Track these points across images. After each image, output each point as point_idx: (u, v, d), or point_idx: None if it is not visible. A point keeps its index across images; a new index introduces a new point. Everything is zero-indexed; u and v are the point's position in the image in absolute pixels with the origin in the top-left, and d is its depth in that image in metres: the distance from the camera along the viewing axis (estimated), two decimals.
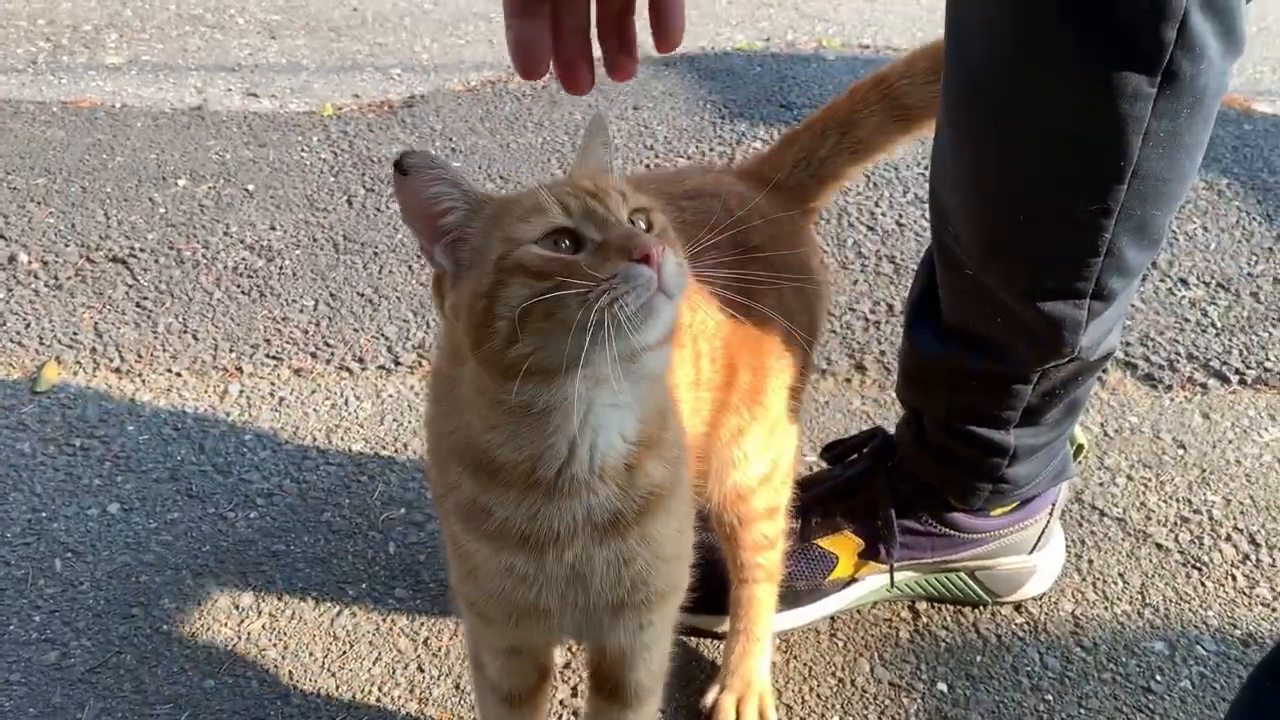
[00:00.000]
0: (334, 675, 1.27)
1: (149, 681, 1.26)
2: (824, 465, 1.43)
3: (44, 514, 1.48)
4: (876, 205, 2.19)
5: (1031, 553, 1.32)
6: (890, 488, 1.30)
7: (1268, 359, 1.82)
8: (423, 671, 1.28)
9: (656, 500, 0.85)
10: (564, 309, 0.73)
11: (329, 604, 1.36)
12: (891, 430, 1.36)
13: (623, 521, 0.84)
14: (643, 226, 0.79)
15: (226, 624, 1.33)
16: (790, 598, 1.28)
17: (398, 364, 1.77)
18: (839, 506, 1.31)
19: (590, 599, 0.87)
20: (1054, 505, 1.32)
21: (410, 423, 1.65)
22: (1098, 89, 0.93)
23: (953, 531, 1.29)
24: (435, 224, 0.79)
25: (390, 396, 1.70)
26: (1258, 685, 0.89)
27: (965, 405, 1.20)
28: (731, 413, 1.08)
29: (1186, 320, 1.92)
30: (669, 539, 0.88)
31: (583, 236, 0.76)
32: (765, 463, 1.13)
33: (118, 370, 1.75)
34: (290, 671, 1.28)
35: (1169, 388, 1.76)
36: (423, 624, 1.33)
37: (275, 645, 1.31)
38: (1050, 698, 1.25)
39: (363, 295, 1.92)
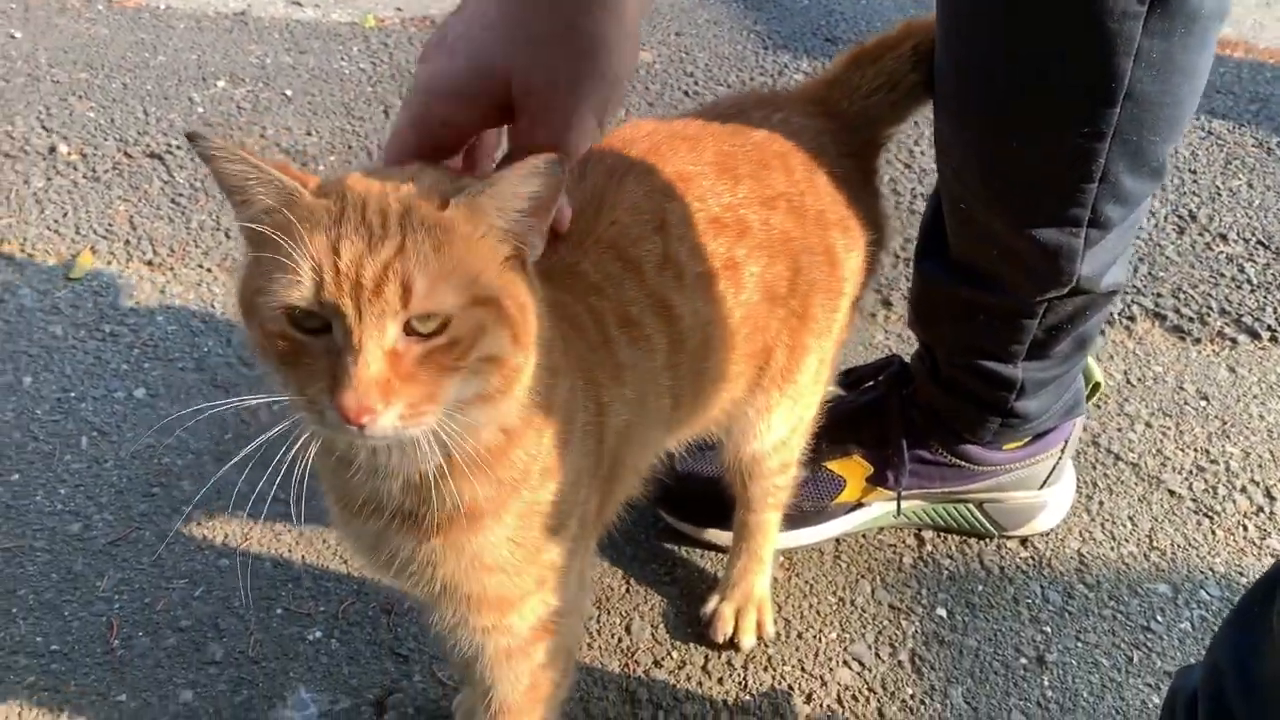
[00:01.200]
0: (345, 562, 1.30)
1: (166, 557, 1.30)
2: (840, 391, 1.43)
3: (73, 394, 1.51)
4: (916, 144, 2.16)
5: (1041, 488, 1.32)
6: (903, 416, 1.30)
7: None
8: None
9: (472, 516, 0.80)
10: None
11: None
12: (908, 360, 1.36)
13: (427, 525, 0.79)
14: (393, 303, 0.65)
15: (244, 508, 1.36)
16: (796, 518, 1.30)
17: None
18: (851, 432, 1.32)
19: (411, 586, 0.85)
20: (1067, 442, 1.32)
21: None
22: (1085, 6, 0.90)
23: (963, 463, 1.29)
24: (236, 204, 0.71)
25: None
26: (1247, 608, 0.89)
27: (973, 339, 1.19)
28: (760, 392, 1.06)
29: (1222, 275, 1.89)
30: (489, 550, 0.82)
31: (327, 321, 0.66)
32: (786, 429, 1.12)
33: (150, 263, 1.78)
34: (303, 556, 1.31)
35: (1197, 340, 1.74)
36: None
37: (290, 531, 1.34)
38: (1048, 629, 1.26)
39: None
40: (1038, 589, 1.31)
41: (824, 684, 1.19)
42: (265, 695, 1.16)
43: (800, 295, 1.00)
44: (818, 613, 1.27)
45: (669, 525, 1.34)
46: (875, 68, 1.08)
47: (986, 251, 1.11)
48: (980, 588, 1.31)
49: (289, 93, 2.24)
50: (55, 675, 1.17)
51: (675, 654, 1.22)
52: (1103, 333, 1.63)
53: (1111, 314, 1.78)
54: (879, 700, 1.18)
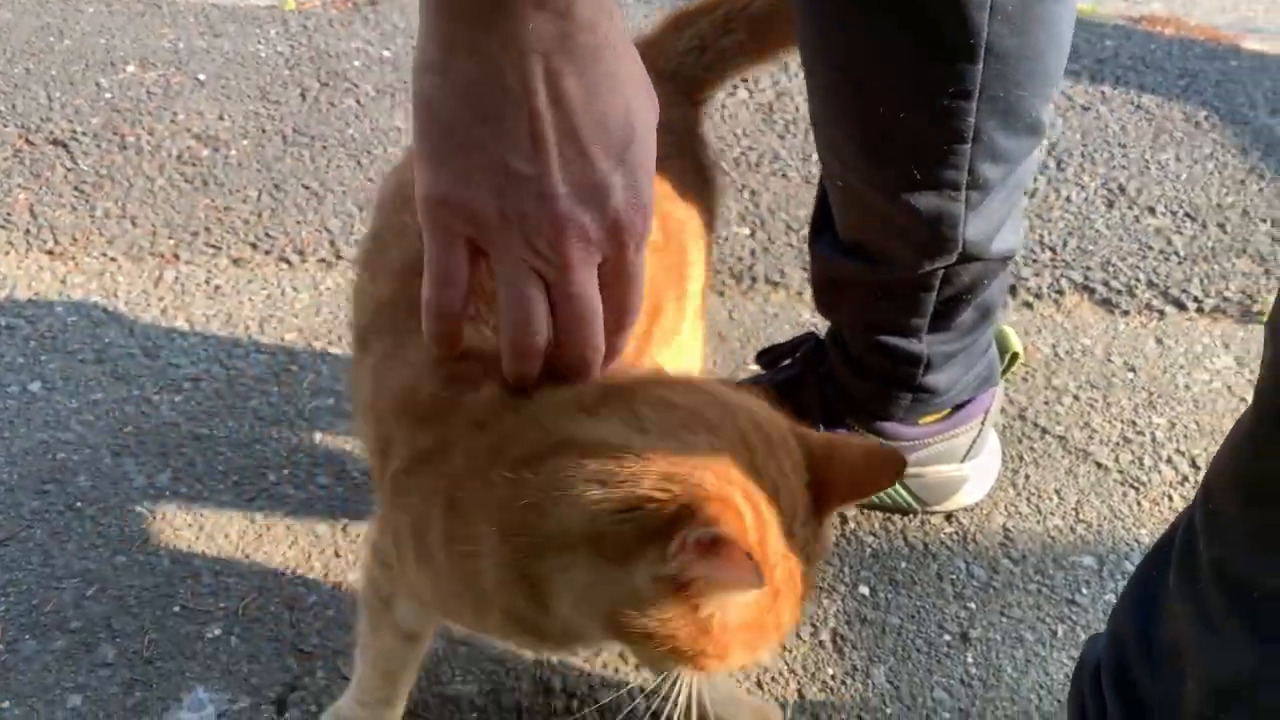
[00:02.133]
0: (247, 556, 1.25)
1: (58, 556, 1.24)
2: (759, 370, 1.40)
3: None
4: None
5: (963, 461, 1.30)
6: (819, 394, 1.27)
7: (1227, 289, 1.79)
8: (339, 557, 1.25)
9: None
10: None
11: (248, 488, 1.33)
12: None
13: None
14: None
15: (141, 503, 1.30)
16: None
17: (339, 258, 1.73)
18: None
19: None
20: (986, 413, 1.29)
21: (346, 316, 1.61)
22: None
23: (880, 439, 1.27)
24: None
25: (328, 289, 1.66)
26: (1145, 575, 0.87)
27: (873, 316, 1.17)
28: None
29: (1150, 248, 1.88)
30: None
31: None
32: None
33: (50, 252, 1.70)
34: (203, 551, 1.25)
35: (1125, 313, 1.73)
36: (342, 511, 1.31)
37: (190, 526, 1.28)
38: (973, 605, 1.24)
39: (308, 188, 1.87)
40: (962, 564, 1.29)
41: None
42: (160, 697, 1.11)
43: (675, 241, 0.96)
44: None
45: None
46: (691, 30, 1.06)
47: (870, 226, 1.08)
48: (904, 564, 1.28)
49: (202, 77, 2.17)
50: None
51: None
52: (1006, 303, 1.62)
53: (1040, 287, 1.76)
54: (799, 681, 1.15)
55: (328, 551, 1.26)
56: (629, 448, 0.64)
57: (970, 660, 1.18)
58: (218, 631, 1.17)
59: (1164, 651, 0.82)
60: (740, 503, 0.63)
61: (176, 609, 1.19)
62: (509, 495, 0.66)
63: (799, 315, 1.68)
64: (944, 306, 1.14)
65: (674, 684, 0.76)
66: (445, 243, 0.61)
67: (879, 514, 1.34)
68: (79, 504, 1.30)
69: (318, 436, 1.40)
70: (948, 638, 1.21)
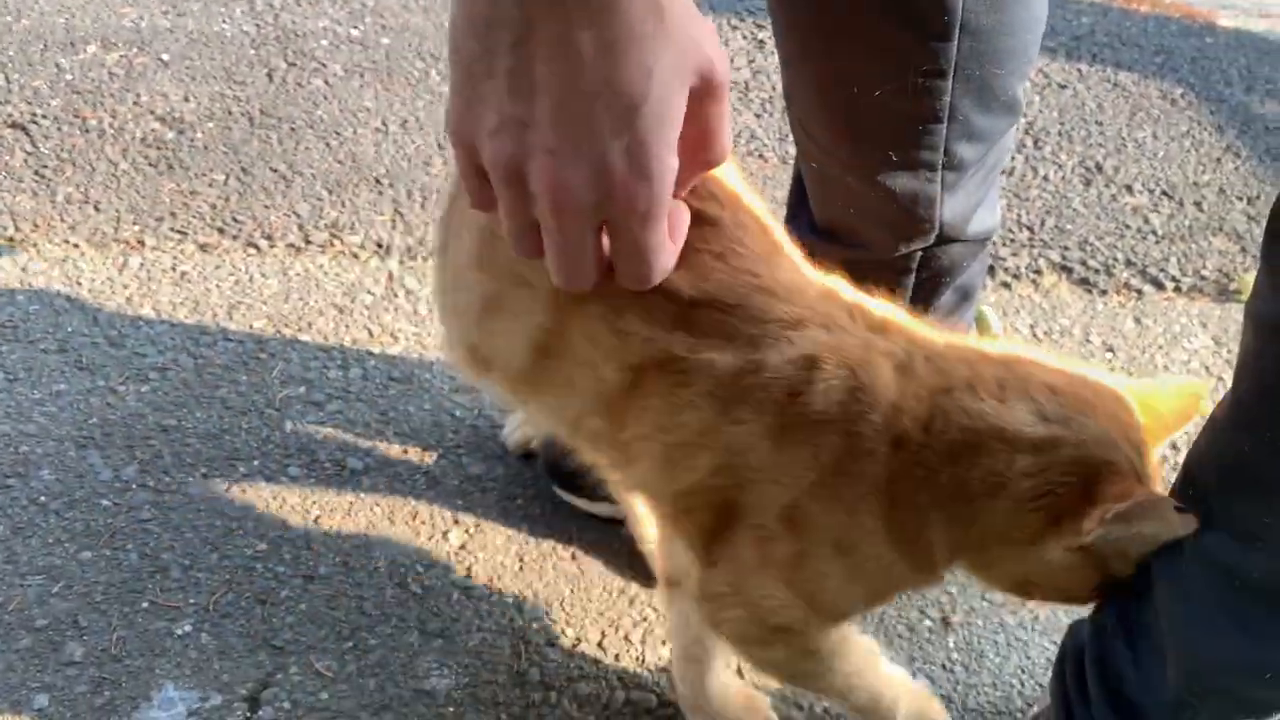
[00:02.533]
0: (216, 549, 1.22)
1: (21, 552, 1.20)
2: None
3: None
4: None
5: None
6: None
7: (1204, 267, 1.79)
8: (310, 549, 1.23)
9: None
10: None
11: (218, 479, 1.30)
12: None
13: None
14: None
15: (107, 497, 1.27)
16: None
17: (308, 242, 1.69)
18: None
19: None
20: None
21: (316, 302, 1.58)
22: None
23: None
24: None
25: (298, 275, 1.63)
26: None
27: None
28: None
29: (1128, 227, 1.87)
30: None
31: None
32: None
33: (11, 239, 1.66)
34: (171, 545, 1.22)
35: (1104, 292, 1.73)
36: (314, 502, 1.28)
37: (157, 519, 1.25)
38: (953, 590, 1.23)
39: (276, 171, 1.83)
40: None
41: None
42: (129, 695, 1.08)
43: None
44: None
45: (564, 501, 1.28)
46: None
47: (846, 208, 1.07)
48: None
49: (165, 57, 2.12)
50: None
51: (570, 631, 1.17)
52: (985, 284, 1.60)
53: (1018, 267, 1.75)
54: None
55: (298, 544, 1.23)
56: (1040, 436, 0.72)
57: (952, 645, 1.18)
58: (188, 627, 1.14)
59: (1146, 636, 0.81)
60: (1134, 471, 0.73)
61: (145, 605, 1.16)
62: (950, 486, 0.75)
63: None
64: (923, 289, 1.12)
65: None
66: (466, 174, 0.61)
67: None
68: (43, 498, 1.26)
69: (289, 426, 1.38)
70: (929, 623, 1.20)
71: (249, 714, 1.07)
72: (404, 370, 1.47)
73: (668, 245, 0.62)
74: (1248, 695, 0.77)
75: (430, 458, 1.34)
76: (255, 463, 1.33)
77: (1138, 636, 0.82)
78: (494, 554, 1.24)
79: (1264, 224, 0.68)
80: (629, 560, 1.22)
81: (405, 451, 1.35)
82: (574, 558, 1.24)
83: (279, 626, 1.15)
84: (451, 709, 1.08)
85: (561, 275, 0.62)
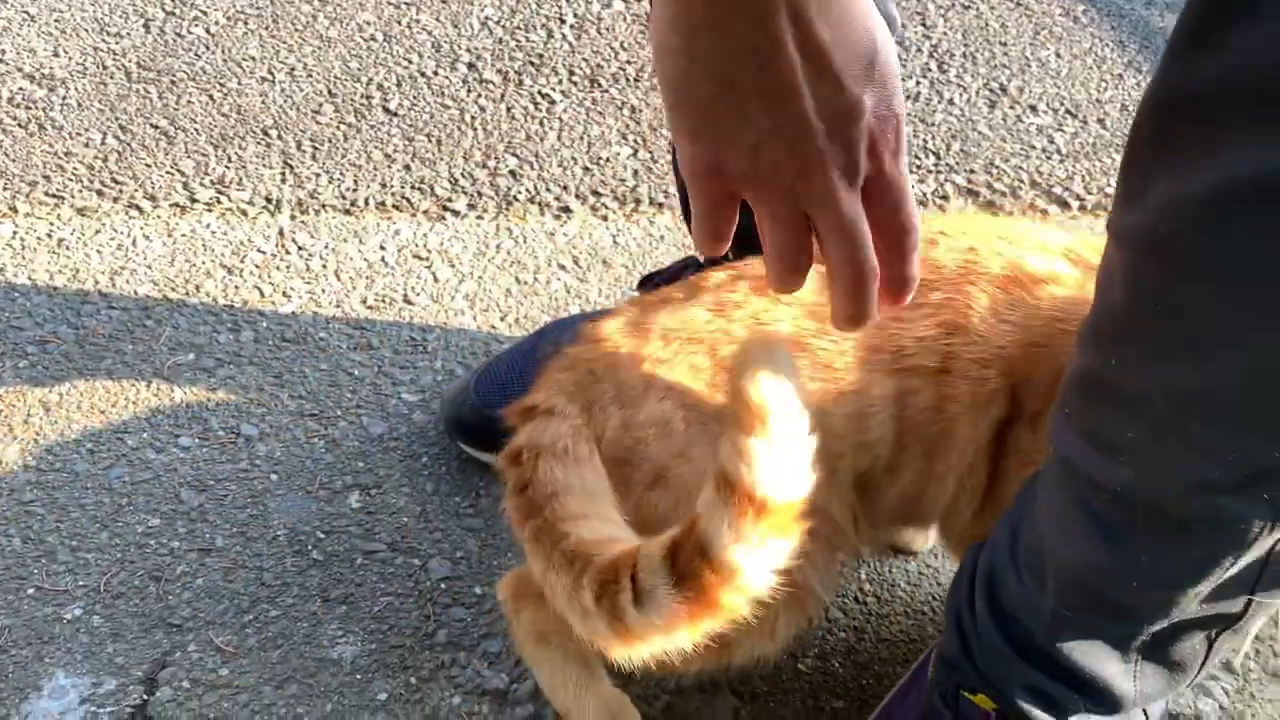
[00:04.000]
0: (107, 528, 1.17)
1: None
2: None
3: None
4: None
5: None
6: None
7: (1108, 185, 1.80)
8: (206, 521, 1.19)
9: None
10: None
11: (105, 456, 1.25)
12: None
13: None
14: None
15: None
16: None
17: (194, 201, 1.62)
18: None
19: None
20: None
21: (204, 263, 1.51)
22: None
23: None
24: None
25: (183, 236, 1.56)
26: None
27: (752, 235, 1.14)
28: None
29: (1033, 147, 1.87)
30: None
31: None
32: None
33: None
34: (57, 527, 1.17)
35: (1009, 214, 1.73)
36: (208, 473, 1.23)
37: (41, 500, 1.20)
38: None
39: (157, 127, 1.74)
40: None
41: None
42: (16, 687, 1.04)
43: None
44: None
45: (469, 456, 1.25)
46: None
47: None
48: None
49: (32, 10, 1.99)
50: None
51: (478, 589, 1.14)
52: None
53: (924, 194, 1.74)
54: None
55: (194, 516, 1.19)
56: None
57: (864, 577, 1.18)
58: (78, 611, 1.10)
59: (1029, 554, 0.82)
60: None
61: (31, 591, 1.12)
62: None
63: (686, 238, 1.63)
64: None
65: None
66: (711, 207, 0.60)
67: None
68: None
69: (178, 395, 1.32)
70: (841, 558, 1.20)
71: (146, 696, 1.04)
72: (298, 330, 1.41)
73: None
74: (1116, 604, 0.77)
75: (328, 420, 1.30)
76: (145, 435, 1.27)
77: (1020, 550, 0.83)
78: (397, 515, 1.21)
79: None
80: None
81: (302, 415, 1.31)
82: (479, 513, 1.21)
83: (175, 604, 1.11)
84: (359, 676, 1.06)
85: (850, 265, 0.59)
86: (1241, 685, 1.12)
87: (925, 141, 1.86)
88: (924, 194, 1.74)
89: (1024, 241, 0.95)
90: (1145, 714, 0.92)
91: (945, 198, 1.74)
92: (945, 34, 2.15)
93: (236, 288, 1.47)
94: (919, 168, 1.80)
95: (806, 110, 0.54)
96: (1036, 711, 0.84)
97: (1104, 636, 0.81)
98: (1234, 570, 0.73)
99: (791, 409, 0.66)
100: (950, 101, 1.96)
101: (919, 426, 0.91)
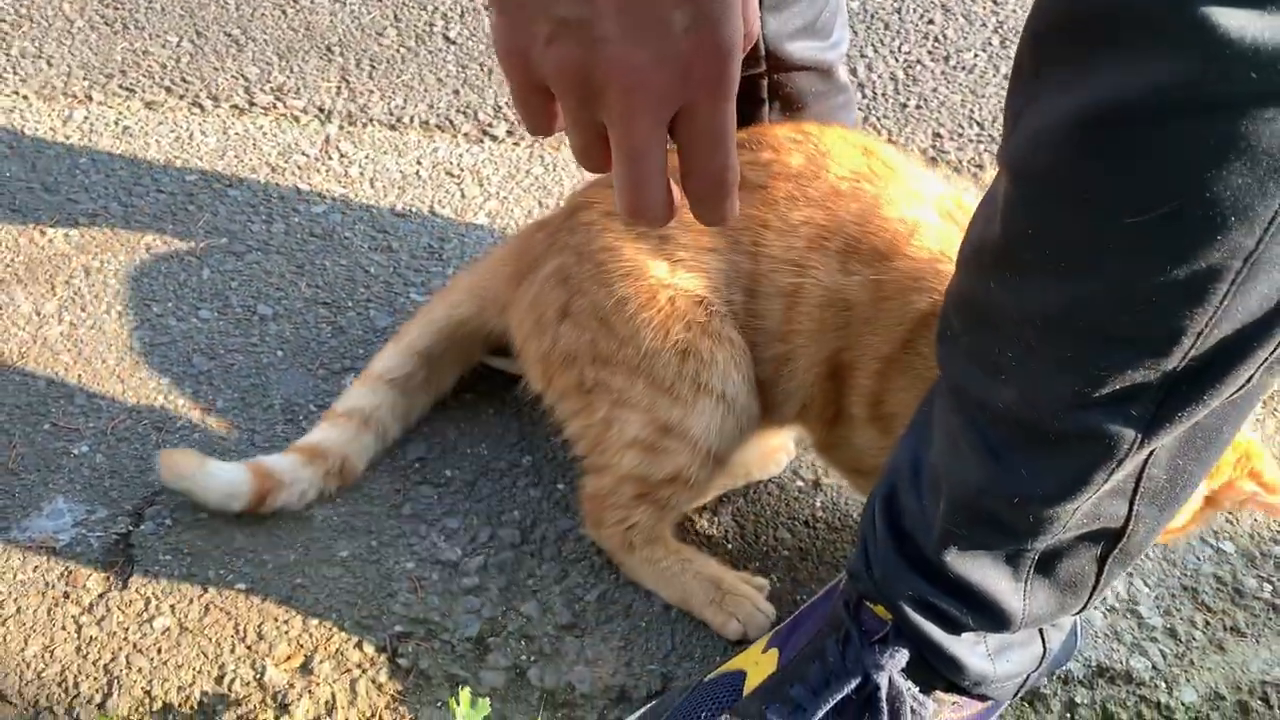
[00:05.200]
0: (122, 382, 1.27)
1: None
2: None
3: None
4: None
5: None
6: None
7: None
8: (212, 384, 1.28)
9: None
10: None
11: (131, 318, 1.35)
12: None
13: None
14: None
15: (25, 329, 1.32)
16: None
17: (252, 104, 1.72)
18: None
19: None
20: None
21: (251, 160, 1.60)
22: None
23: None
24: None
25: (236, 135, 1.65)
26: (922, 408, 0.89)
27: None
28: None
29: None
30: None
31: None
32: None
33: None
34: (80, 375, 1.28)
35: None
36: (220, 343, 1.33)
37: (69, 351, 1.30)
38: None
39: (229, 35, 1.85)
40: None
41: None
42: (21, 505, 1.14)
43: None
44: None
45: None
46: None
47: None
48: None
49: None
50: None
51: (447, 473, 1.21)
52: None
53: (961, 161, 1.75)
54: None
55: (201, 379, 1.28)
56: None
57: (819, 504, 1.21)
58: (85, 449, 1.20)
59: (926, 475, 0.84)
60: None
61: (47, 426, 1.22)
62: None
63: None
64: (786, 120, 1.14)
65: None
66: (519, 93, 0.56)
67: None
68: None
69: (205, 273, 1.42)
70: (800, 484, 1.23)
71: (131, 527, 1.13)
72: (326, 227, 1.50)
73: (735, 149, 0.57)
74: (999, 520, 0.79)
75: (339, 309, 1.38)
76: (169, 304, 1.37)
77: (920, 473, 0.85)
78: None
79: None
80: (516, 410, 1.26)
81: (316, 302, 1.39)
82: (462, 406, 1.28)
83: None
84: (325, 533, 1.14)
85: (629, 190, 0.55)
86: (1183, 652, 1.12)
87: (972, 112, 1.85)
88: (960, 161, 1.75)
89: (897, 186, 0.98)
90: (1044, 642, 0.94)
91: (980, 166, 1.74)
92: (1014, 11, 2.13)
93: (277, 185, 1.56)
94: (960, 135, 1.80)
95: (607, 10, 0.50)
96: (927, 624, 0.87)
97: (992, 553, 0.83)
98: (1109, 485, 0.75)
99: None
100: (1005, 76, 1.95)
101: (771, 331, 0.99)
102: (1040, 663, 0.93)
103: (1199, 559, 1.20)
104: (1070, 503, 0.75)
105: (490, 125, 1.71)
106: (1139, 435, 0.70)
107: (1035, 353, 0.71)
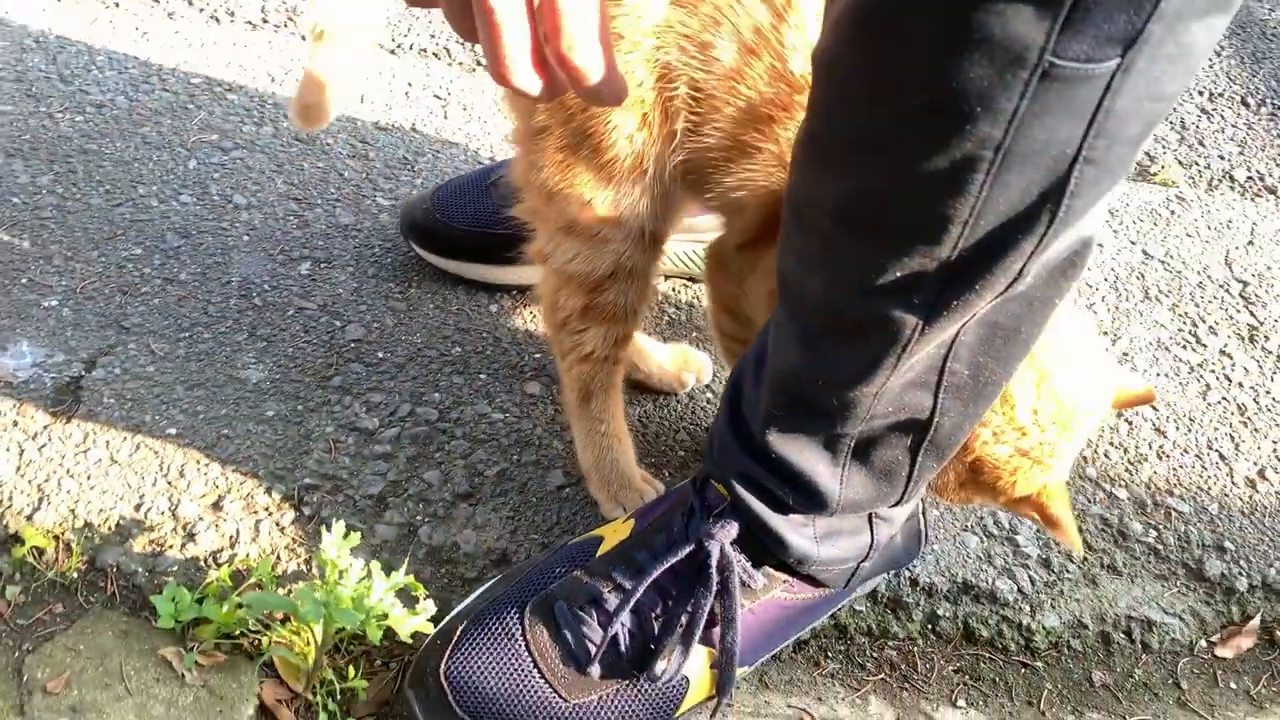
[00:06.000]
0: (99, 249, 1.38)
1: None
2: None
3: None
4: None
5: None
6: None
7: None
8: (180, 260, 1.37)
9: None
10: None
11: (117, 196, 1.45)
12: None
13: None
14: None
15: (19, 196, 1.43)
16: None
17: (265, 21, 1.82)
18: None
19: None
20: None
21: (252, 69, 1.70)
22: None
23: None
24: None
25: (244, 46, 1.76)
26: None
27: None
28: None
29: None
30: None
31: None
32: None
33: None
34: (61, 239, 1.38)
35: None
36: (194, 225, 1.42)
37: (55, 219, 1.41)
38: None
39: None
40: None
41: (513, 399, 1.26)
42: None
43: None
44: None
45: (415, 255, 1.40)
46: None
47: None
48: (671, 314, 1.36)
49: None
50: None
51: (380, 354, 1.29)
52: None
53: None
54: (556, 406, 1.25)
55: (170, 254, 1.38)
56: None
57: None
58: (54, 303, 1.31)
59: (763, 364, 0.90)
60: None
61: (24, 281, 1.33)
62: None
63: None
64: None
65: None
66: None
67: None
68: None
69: (192, 164, 1.52)
70: (709, 396, 1.29)
71: (84, 372, 1.23)
72: (312, 135, 1.59)
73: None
74: (809, 402, 0.84)
75: (308, 204, 1.47)
76: (154, 188, 1.47)
77: (763, 363, 0.91)
78: (335, 286, 1.37)
79: None
80: (457, 308, 1.34)
81: (288, 197, 1.48)
82: (405, 299, 1.36)
83: (130, 313, 1.30)
84: (257, 395, 1.22)
85: (488, 54, 0.56)
86: (1053, 581, 1.16)
87: None
88: None
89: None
90: (873, 534, 0.98)
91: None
92: None
93: (274, 94, 1.66)
94: None
95: None
96: (755, 501, 0.92)
97: (810, 436, 0.88)
98: (910, 375, 0.80)
99: None
100: None
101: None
102: (868, 554, 0.98)
103: (1089, 500, 1.23)
104: (866, 386, 0.80)
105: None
106: (920, 322, 0.74)
107: (833, 243, 0.76)
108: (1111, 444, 1.30)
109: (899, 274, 0.72)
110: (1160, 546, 1.20)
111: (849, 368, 0.80)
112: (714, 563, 0.93)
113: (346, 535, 0.97)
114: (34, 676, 0.98)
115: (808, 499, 0.90)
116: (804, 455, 0.88)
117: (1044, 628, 1.13)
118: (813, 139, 0.75)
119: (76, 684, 0.97)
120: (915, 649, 1.12)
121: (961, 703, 1.09)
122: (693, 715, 0.99)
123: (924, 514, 1.09)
